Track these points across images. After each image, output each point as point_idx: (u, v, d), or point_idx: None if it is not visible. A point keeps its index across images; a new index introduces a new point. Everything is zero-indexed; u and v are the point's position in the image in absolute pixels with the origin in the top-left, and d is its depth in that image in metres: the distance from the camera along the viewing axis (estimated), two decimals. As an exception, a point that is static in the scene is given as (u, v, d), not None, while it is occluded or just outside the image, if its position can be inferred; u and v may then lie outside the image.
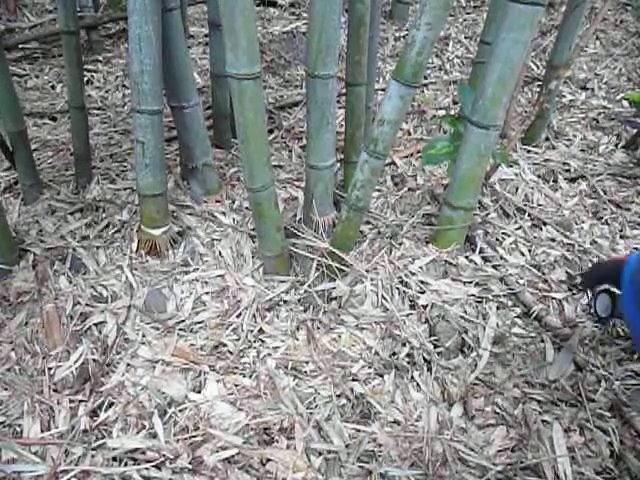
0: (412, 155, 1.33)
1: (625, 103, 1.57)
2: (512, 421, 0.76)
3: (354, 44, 0.94)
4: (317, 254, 0.97)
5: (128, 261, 0.99)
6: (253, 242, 1.02)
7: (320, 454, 0.72)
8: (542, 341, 0.87)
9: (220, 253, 1.01)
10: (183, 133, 1.03)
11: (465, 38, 1.89)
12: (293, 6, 2.08)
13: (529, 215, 1.15)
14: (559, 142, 1.42)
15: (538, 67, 1.75)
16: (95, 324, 0.88)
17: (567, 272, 1.01)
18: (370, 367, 0.83)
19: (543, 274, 1.00)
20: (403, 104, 0.77)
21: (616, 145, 1.42)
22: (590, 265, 1.00)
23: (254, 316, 0.90)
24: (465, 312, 0.90)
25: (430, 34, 0.69)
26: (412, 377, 0.82)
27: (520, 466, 0.70)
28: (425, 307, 0.91)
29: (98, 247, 1.01)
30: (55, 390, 0.79)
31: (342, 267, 0.95)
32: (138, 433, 0.73)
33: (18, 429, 0.74)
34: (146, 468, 0.69)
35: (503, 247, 1.05)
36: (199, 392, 0.79)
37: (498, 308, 0.92)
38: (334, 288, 0.94)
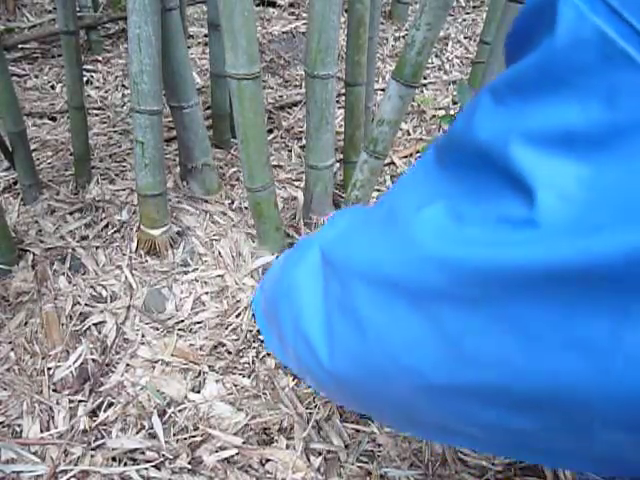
0: (411, 155, 1.33)
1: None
2: (511, 421, 0.76)
3: (353, 44, 0.94)
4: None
5: (127, 261, 0.99)
6: (252, 242, 1.02)
7: (320, 454, 0.72)
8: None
9: (219, 253, 1.01)
10: (182, 133, 1.03)
11: (465, 38, 1.89)
12: (292, 6, 2.08)
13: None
14: (558, 142, 1.42)
15: (537, 67, 1.75)
16: (94, 324, 0.88)
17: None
18: (369, 367, 0.83)
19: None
20: (403, 104, 0.77)
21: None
22: None
23: (253, 316, 0.90)
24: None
25: (430, 34, 0.69)
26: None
27: (520, 466, 0.70)
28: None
29: (97, 247, 1.01)
30: (54, 390, 0.79)
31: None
32: (137, 433, 0.73)
33: (17, 429, 0.74)
34: (145, 468, 0.69)
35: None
36: (198, 392, 0.79)
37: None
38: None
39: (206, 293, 0.94)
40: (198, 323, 0.90)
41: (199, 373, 0.82)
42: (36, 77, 1.62)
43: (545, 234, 0.22)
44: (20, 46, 1.70)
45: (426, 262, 0.27)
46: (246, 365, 0.83)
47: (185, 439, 0.73)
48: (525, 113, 0.24)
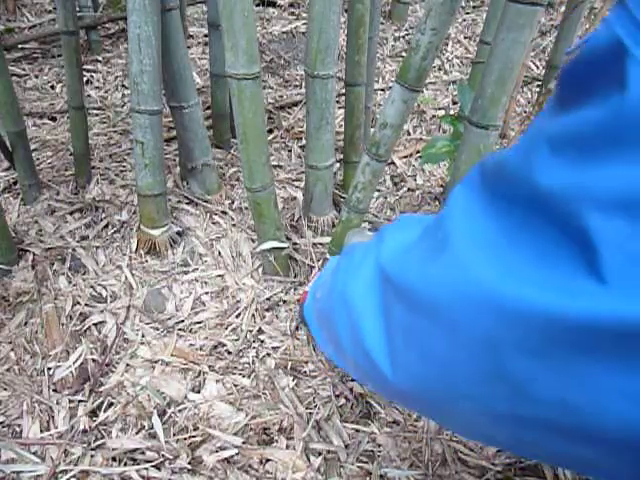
0: (412, 155, 1.33)
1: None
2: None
3: (353, 44, 0.94)
4: (317, 254, 0.97)
5: (127, 261, 0.99)
6: (252, 242, 1.02)
7: (319, 454, 0.72)
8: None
9: (219, 253, 1.01)
10: (182, 133, 1.03)
11: (464, 38, 1.89)
12: (292, 6, 2.08)
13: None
14: (558, 142, 1.41)
15: (538, 67, 1.75)
16: (94, 324, 0.88)
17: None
18: (369, 367, 0.83)
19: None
20: (406, 108, 0.77)
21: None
22: None
23: (253, 316, 0.90)
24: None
25: (435, 39, 0.69)
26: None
27: (519, 466, 0.70)
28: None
29: (97, 247, 1.01)
30: (54, 390, 0.79)
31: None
32: (137, 433, 0.73)
33: (17, 429, 0.74)
34: (145, 468, 0.69)
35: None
36: (198, 392, 0.79)
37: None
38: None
39: (206, 293, 0.94)
40: (198, 323, 0.90)
41: (199, 373, 0.82)
42: (36, 77, 1.62)
43: (611, 291, 0.22)
44: (20, 46, 1.70)
45: (486, 305, 0.27)
46: (246, 365, 0.83)
47: (185, 439, 0.73)
48: (589, 170, 0.23)
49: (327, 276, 0.55)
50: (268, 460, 0.71)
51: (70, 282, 0.95)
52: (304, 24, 1.90)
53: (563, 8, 1.34)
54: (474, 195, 0.31)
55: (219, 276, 0.97)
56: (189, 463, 0.69)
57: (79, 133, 1.12)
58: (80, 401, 0.77)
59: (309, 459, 0.71)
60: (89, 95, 1.53)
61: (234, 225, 1.06)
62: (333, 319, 0.48)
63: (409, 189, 1.21)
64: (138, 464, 0.70)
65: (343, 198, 1.09)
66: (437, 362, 0.32)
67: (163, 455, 0.70)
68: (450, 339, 0.30)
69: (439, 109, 1.53)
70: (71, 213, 1.09)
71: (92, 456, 0.70)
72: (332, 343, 0.50)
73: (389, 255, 0.39)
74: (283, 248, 0.94)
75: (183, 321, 0.89)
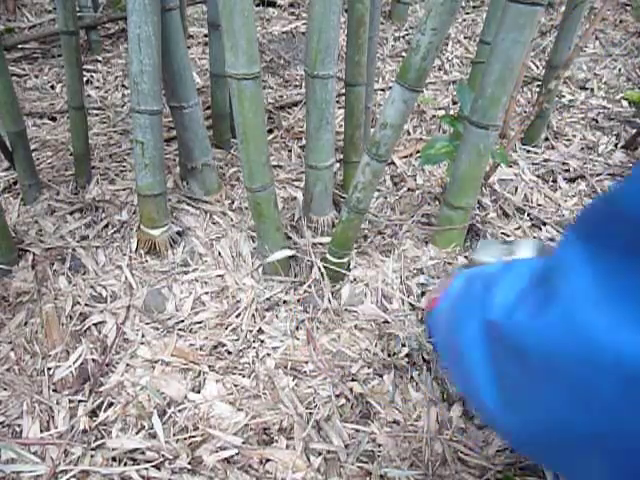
0: (412, 155, 1.33)
1: (625, 103, 1.57)
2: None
3: (353, 44, 0.94)
4: (317, 254, 0.97)
5: (127, 261, 0.99)
6: (252, 242, 1.02)
7: (319, 454, 0.72)
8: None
9: (219, 253, 1.01)
10: (182, 133, 1.03)
11: (464, 38, 1.89)
12: (292, 6, 2.08)
13: (528, 215, 1.15)
14: (558, 142, 1.42)
15: (538, 67, 1.75)
16: (94, 324, 0.88)
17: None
18: (369, 367, 0.83)
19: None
20: (407, 108, 0.77)
21: (615, 145, 1.41)
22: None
23: (253, 316, 0.90)
24: (464, 312, 0.90)
25: (435, 39, 0.69)
26: (411, 377, 0.82)
27: (519, 466, 0.70)
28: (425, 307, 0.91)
29: (97, 247, 1.01)
30: (54, 390, 0.79)
31: (341, 266, 0.95)
32: (137, 433, 0.73)
33: (17, 429, 0.74)
34: (145, 468, 0.69)
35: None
36: (198, 392, 0.79)
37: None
38: (334, 288, 0.94)
39: (206, 293, 0.94)
40: (198, 323, 0.90)
41: (199, 373, 0.82)
42: (36, 77, 1.62)
43: None
44: (20, 46, 1.70)
45: (607, 368, 0.25)
46: (246, 365, 0.83)
47: (185, 439, 0.73)
48: None
49: (451, 300, 0.54)
50: (268, 460, 0.71)
51: (70, 282, 0.95)
52: (304, 24, 1.90)
53: (563, 8, 1.34)
54: (574, 242, 0.29)
55: (219, 276, 0.97)
56: (189, 463, 0.69)
57: (79, 133, 1.12)
58: (80, 401, 0.77)
59: (309, 459, 0.71)
60: (89, 95, 1.53)
61: (234, 225, 1.06)
62: (453, 358, 0.48)
63: (409, 189, 1.21)
64: (138, 464, 0.70)
65: (343, 198, 1.09)
66: (555, 417, 0.30)
67: (163, 455, 0.70)
68: (568, 396, 0.29)
69: (439, 109, 1.53)
70: (71, 213, 1.09)
71: (92, 456, 0.70)
72: (452, 364, 0.50)
73: (498, 310, 0.39)
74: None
75: (183, 321, 0.89)
